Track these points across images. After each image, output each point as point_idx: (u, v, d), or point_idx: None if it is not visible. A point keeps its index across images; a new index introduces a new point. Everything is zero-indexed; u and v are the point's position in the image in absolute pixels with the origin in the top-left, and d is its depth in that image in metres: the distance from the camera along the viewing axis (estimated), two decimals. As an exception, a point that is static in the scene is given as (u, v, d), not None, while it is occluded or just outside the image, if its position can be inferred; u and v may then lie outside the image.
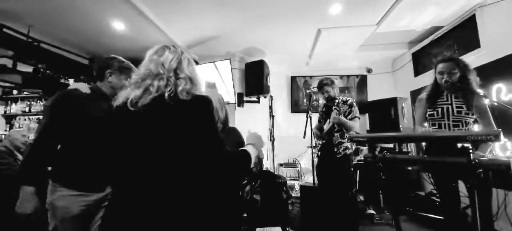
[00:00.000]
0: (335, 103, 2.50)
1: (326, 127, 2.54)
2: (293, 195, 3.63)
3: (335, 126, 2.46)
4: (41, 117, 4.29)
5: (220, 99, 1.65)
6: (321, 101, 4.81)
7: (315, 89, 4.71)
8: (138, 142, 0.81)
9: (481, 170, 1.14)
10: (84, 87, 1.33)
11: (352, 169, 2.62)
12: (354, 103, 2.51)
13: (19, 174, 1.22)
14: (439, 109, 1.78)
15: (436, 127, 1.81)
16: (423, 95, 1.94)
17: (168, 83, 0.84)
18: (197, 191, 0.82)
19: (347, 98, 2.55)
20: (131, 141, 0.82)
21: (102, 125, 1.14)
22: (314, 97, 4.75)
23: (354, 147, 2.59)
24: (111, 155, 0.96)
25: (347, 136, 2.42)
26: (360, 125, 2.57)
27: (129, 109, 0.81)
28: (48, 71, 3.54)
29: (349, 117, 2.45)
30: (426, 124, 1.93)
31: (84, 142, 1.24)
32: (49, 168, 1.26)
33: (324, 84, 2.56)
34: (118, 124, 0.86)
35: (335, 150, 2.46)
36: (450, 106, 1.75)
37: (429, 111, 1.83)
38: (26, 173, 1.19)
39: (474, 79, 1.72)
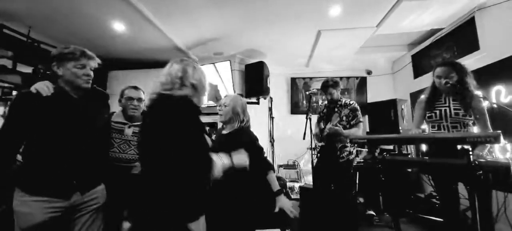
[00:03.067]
0: (338, 105, 2.46)
1: (327, 128, 2.45)
2: (292, 196, 3.62)
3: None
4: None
5: (242, 103, 1.76)
6: (321, 102, 4.84)
7: (315, 91, 4.70)
8: None
9: (480, 172, 1.14)
10: None
11: (351, 171, 2.57)
12: (357, 107, 2.42)
13: None
14: (437, 112, 1.82)
15: (435, 128, 1.84)
16: (423, 98, 1.97)
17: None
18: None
19: (351, 102, 2.45)
20: None
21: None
22: (314, 99, 4.75)
23: (355, 151, 2.53)
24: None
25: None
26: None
27: None
28: (48, 72, 3.53)
29: (353, 121, 2.38)
30: (424, 126, 1.95)
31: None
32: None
33: (328, 85, 2.48)
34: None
35: (338, 153, 2.39)
36: (447, 108, 1.78)
37: (428, 114, 1.87)
38: None
39: (472, 82, 1.75)
